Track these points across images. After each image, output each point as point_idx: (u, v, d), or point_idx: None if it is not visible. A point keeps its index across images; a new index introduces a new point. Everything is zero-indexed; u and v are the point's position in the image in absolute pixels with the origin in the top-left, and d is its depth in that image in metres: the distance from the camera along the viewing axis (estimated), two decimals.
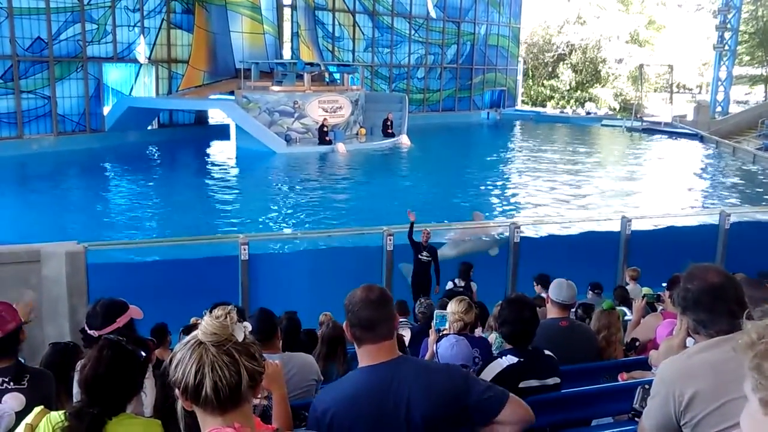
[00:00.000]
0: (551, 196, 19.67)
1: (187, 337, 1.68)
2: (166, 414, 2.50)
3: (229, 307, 1.70)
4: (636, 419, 2.91)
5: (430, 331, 4.31)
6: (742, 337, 1.19)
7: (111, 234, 13.88)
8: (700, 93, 52.79)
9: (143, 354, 2.63)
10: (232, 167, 24.25)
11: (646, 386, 2.77)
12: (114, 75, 26.92)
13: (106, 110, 26.10)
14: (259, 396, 2.43)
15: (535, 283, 8.15)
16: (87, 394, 2.35)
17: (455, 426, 2.41)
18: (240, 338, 1.65)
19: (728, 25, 37.28)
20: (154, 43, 27.61)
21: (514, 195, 20.34)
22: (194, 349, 1.62)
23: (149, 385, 2.98)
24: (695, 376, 2.15)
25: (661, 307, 6.42)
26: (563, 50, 50.36)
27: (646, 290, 8.08)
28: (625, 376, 4.16)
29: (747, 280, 3.49)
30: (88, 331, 3.21)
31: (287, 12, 32.94)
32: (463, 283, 8.78)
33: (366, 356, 2.42)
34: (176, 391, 1.67)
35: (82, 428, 2.25)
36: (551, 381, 3.40)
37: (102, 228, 14.59)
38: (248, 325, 1.70)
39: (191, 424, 1.71)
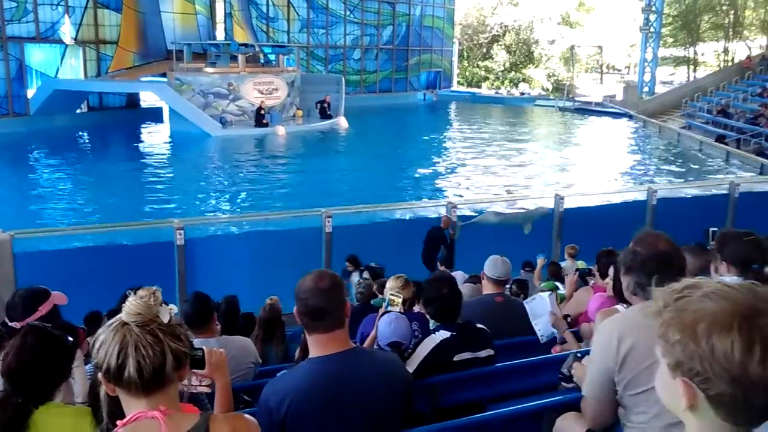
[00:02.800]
0: (488, 175, 20.00)
1: (112, 319, 1.65)
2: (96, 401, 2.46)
3: (154, 288, 1.68)
4: (564, 383, 3.02)
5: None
6: (653, 303, 1.26)
7: (39, 222, 13.40)
8: (628, 73, 54.32)
9: (71, 339, 2.56)
10: (166, 151, 23.68)
11: (578, 355, 2.87)
12: (38, 56, 25.75)
13: (30, 93, 24.98)
14: (203, 383, 2.42)
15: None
16: (11, 382, 2.26)
17: (407, 411, 2.47)
18: (165, 319, 1.63)
19: (653, 8, 38.38)
20: (80, 23, 26.50)
21: (451, 175, 20.55)
22: (118, 329, 1.60)
23: (79, 372, 2.92)
24: (632, 330, 2.25)
25: (592, 281, 6.64)
26: (497, 31, 50.95)
27: (580, 264, 8.35)
28: (558, 348, 4.31)
29: (690, 248, 3.65)
30: (9, 324, 3.09)
31: None
32: None
33: (317, 346, 2.38)
34: (98, 374, 1.64)
35: (6, 418, 2.18)
36: (484, 353, 3.48)
37: (29, 216, 14.03)
38: (173, 307, 1.69)
39: (114, 410, 1.68)
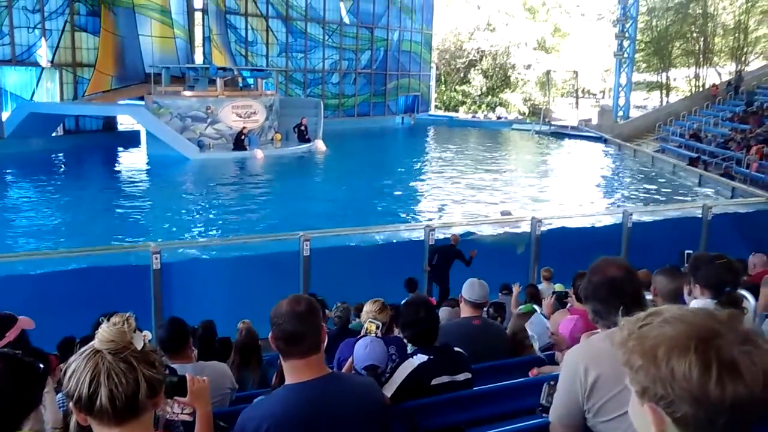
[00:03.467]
0: (465, 199, 20.10)
1: (84, 347, 1.62)
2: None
3: (128, 314, 1.66)
4: (544, 414, 3.03)
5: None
6: (617, 333, 1.28)
7: (11, 245, 13.19)
8: (603, 98, 55.20)
9: (41, 366, 2.51)
10: (143, 174, 23.50)
11: (551, 382, 2.88)
12: (13, 79, 25.54)
13: (5, 116, 24.70)
14: (185, 411, 2.38)
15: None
16: None
17: None
18: (139, 346, 1.60)
19: (626, 34, 39.15)
20: (57, 46, 26.37)
21: (429, 198, 20.65)
22: (90, 357, 1.57)
23: (49, 400, 2.86)
24: (598, 360, 2.25)
25: (569, 304, 6.68)
26: (474, 56, 51.61)
27: (558, 287, 8.39)
28: (535, 371, 4.32)
29: (664, 270, 3.69)
30: None
31: (198, 16, 32.24)
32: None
33: (293, 372, 2.36)
34: (70, 404, 1.60)
35: None
36: (461, 377, 3.47)
37: (1, 240, 13.84)
38: (147, 333, 1.66)
39: None
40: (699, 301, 3.28)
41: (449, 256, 10.46)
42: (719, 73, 43.82)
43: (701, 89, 39.25)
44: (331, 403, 2.32)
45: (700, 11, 43.50)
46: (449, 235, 11.06)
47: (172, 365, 3.13)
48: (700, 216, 11.83)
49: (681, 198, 20.60)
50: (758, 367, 1.12)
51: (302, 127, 28.08)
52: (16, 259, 9.45)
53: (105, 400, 1.54)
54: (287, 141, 27.95)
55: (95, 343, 1.60)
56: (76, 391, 1.56)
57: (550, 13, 55.27)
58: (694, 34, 44.33)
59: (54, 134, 26.79)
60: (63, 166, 24.50)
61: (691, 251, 6.46)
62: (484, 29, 51.39)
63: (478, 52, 51.40)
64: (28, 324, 3.24)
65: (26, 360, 2.39)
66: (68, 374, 1.59)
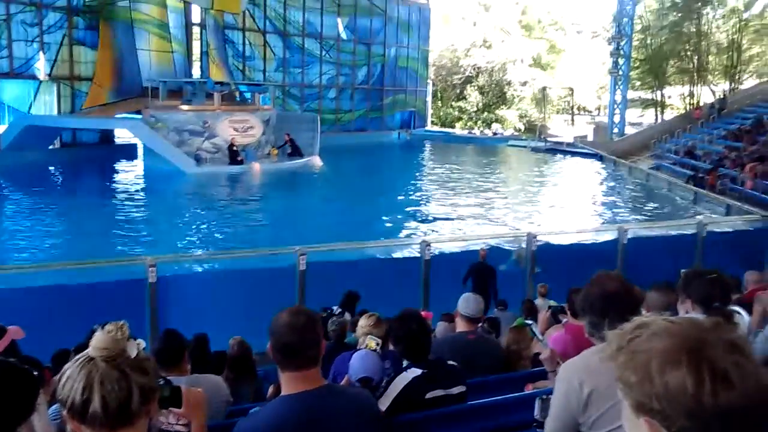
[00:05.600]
0: (462, 214, 20.14)
1: (78, 355, 1.63)
2: None
3: (121, 322, 1.66)
4: (539, 429, 3.04)
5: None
6: (606, 347, 1.29)
7: (8, 258, 13.15)
8: (598, 115, 55.49)
9: (35, 373, 2.51)
10: (139, 188, 23.50)
11: (544, 397, 2.89)
12: (11, 92, 25.61)
13: (2, 128, 24.74)
14: (180, 422, 2.38)
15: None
16: None
17: None
18: (132, 354, 1.61)
19: (621, 52, 39.42)
20: (55, 60, 26.48)
21: (425, 213, 20.67)
22: (83, 365, 1.58)
23: (41, 411, 2.85)
24: (593, 372, 2.26)
25: (565, 319, 6.69)
26: (470, 73, 51.93)
27: (552, 303, 8.39)
28: (530, 386, 4.32)
29: (657, 286, 3.73)
30: None
31: (196, 31, 32.43)
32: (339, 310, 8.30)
33: (289, 383, 2.36)
34: (63, 412, 1.61)
35: None
36: (456, 390, 3.47)
37: None
38: (141, 342, 1.67)
39: None
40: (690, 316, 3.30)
41: (485, 275, 10.26)
42: (713, 91, 44.12)
43: (695, 107, 39.50)
44: (327, 414, 2.32)
45: (694, 30, 43.87)
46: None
47: (169, 377, 3.13)
48: (695, 233, 11.87)
49: (677, 215, 20.66)
50: (747, 374, 1.14)
51: (288, 142, 27.84)
52: (10, 271, 9.42)
53: (97, 408, 1.54)
54: (284, 156, 28.00)
55: (89, 350, 1.61)
56: (69, 398, 1.57)
57: (546, 30, 55.70)
58: (689, 53, 44.68)
59: (51, 147, 26.84)
60: (60, 179, 24.49)
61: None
62: (480, 46, 51.76)
63: (474, 69, 51.72)
64: (17, 334, 3.24)
65: (20, 366, 2.38)
66: (62, 381, 1.60)
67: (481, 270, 10.38)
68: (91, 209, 18.99)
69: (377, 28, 40.87)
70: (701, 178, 24.63)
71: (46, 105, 26.70)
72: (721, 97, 37.51)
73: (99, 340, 1.61)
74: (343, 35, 38.78)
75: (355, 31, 39.44)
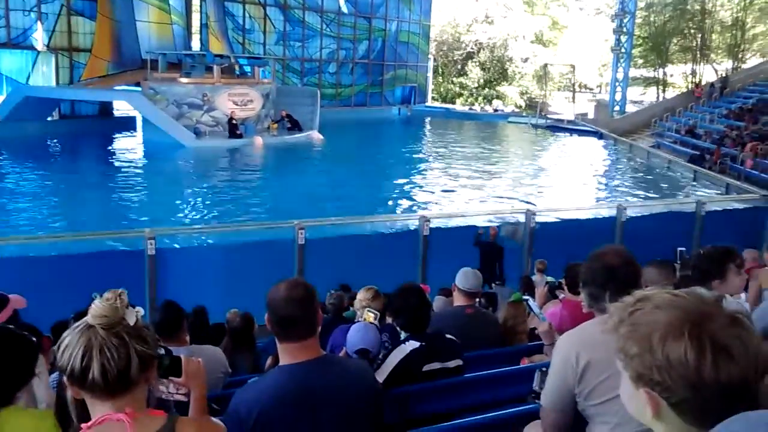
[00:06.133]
0: (460, 190, 20.13)
1: (77, 322, 1.65)
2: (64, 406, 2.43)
3: (120, 290, 1.68)
4: (536, 400, 3.07)
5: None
6: (608, 319, 1.30)
7: (6, 229, 13.16)
8: (599, 92, 55.26)
9: (34, 339, 2.52)
10: (138, 161, 23.44)
11: (543, 369, 2.92)
12: (8, 62, 25.41)
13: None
14: (180, 392, 2.40)
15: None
16: None
17: (377, 418, 2.48)
18: (131, 322, 1.63)
19: (624, 29, 39.11)
20: (53, 30, 26.21)
21: (424, 188, 20.66)
22: (83, 332, 1.60)
23: (42, 378, 2.88)
24: (589, 344, 2.29)
25: (562, 295, 6.72)
26: (472, 49, 51.54)
27: (550, 279, 8.43)
28: (526, 360, 4.36)
29: (656, 262, 3.75)
30: None
31: (196, 2, 32.09)
32: None
33: (287, 354, 2.37)
34: (64, 378, 1.63)
35: None
36: (453, 363, 3.51)
37: None
38: (140, 309, 1.68)
39: (83, 414, 1.67)
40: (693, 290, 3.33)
41: (493, 256, 10.17)
42: (716, 69, 43.88)
43: (697, 86, 39.32)
44: (324, 384, 2.34)
45: (698, 7, 43.51)
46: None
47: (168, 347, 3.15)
48: (694, 212, 11.87)
49: (676, 194, 20.67)
50: (748, 349, 1.16)
51: (285, 118, 27.65)
52: (9, 242, 9.42)
53: (97, 374, 1.56)
54: (282, 130, 27.89)
55: (88, 318, 1.62)
56: (68, 365, 1.59)
57: (549, 6, 55.21)
58: (692, 31, 44.36)
59: (49, 119, 26.66)
60: (58, 150, 24.40)
61: (683, 248, 6.52)
62: (482, 21, 51.30)
63: (475, 45, 51.33)
64: (19, 303, 3.26)
65: (19, 333, 2.40)
66: (61, 348, 1.62)
67: (490, 249, 10.35)
68: (89, 181, 18.95)
69: (378, 2, 40.46)
70: (702, 156, 24.60)
71: (45, 76, 26.49)
72: (724, 75, 37.30)
73: (98, 307, 1.62)
74: (344, 9, 38.37)
75: (356, 5, 39.03)
